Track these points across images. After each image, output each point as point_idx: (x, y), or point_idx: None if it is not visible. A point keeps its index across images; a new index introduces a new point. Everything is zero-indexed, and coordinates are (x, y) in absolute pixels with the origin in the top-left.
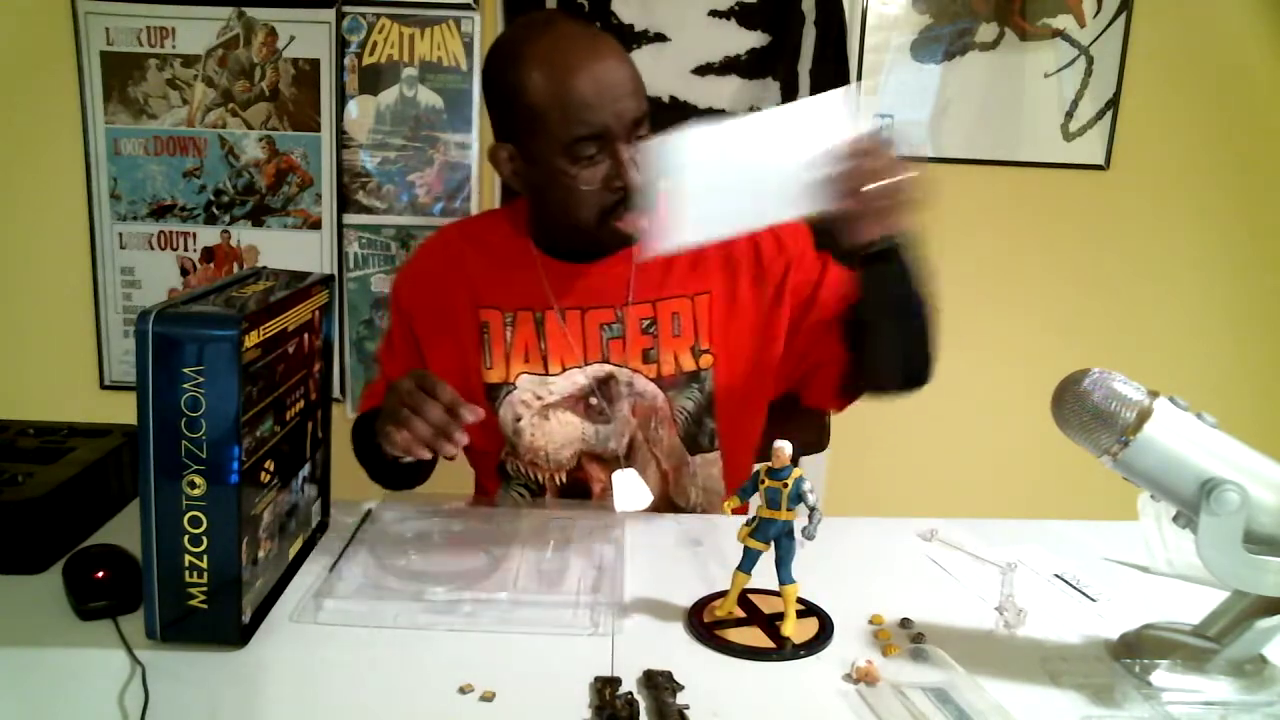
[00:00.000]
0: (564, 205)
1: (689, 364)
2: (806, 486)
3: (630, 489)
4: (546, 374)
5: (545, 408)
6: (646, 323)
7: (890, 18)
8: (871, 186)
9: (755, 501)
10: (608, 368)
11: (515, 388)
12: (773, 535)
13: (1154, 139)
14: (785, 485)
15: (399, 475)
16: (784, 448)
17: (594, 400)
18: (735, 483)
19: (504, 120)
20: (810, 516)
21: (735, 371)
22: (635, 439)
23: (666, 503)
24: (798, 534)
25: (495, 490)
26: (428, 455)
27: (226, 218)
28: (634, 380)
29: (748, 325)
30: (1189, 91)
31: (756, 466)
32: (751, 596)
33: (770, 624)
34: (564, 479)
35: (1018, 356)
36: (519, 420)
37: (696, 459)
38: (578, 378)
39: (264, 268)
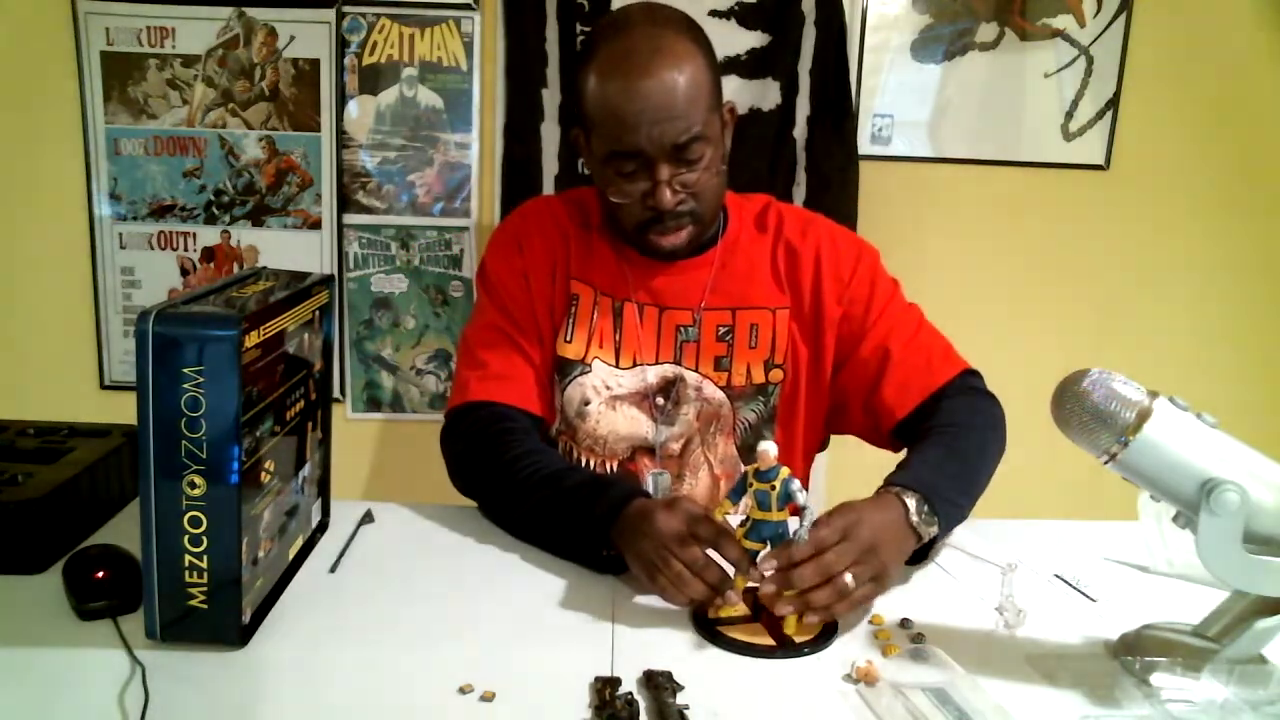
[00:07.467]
0: (608, 207)
1: (759, 377)
2: (795, 487)
3: (660, 490)
4: (616, 365)
5: (613, 398)
6: (723, 330)
7: (890, 18)
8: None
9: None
10: (679, 369)
11: (590, 370)
12: (767, 535)
13: (1154, 139)
14: (773, 487)
15: (524, 527)
16: (769, 449)
17: (660, 400)
18: None
19: (575, 107)
20: (801, 516)
21: (799, 386)
22: (692, 440)
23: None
24: (796, 534)
25: None
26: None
27: (226, 218)
28: (703, 385)
29: (812, 340)
30: (1189, 91)
31: (744, 469)
32: (754, 596)
33: (772, 623)
34: (614, 468)
35: (1017, 357)
36: (587, 404)
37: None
38: (647, 375)
39: (264, 268)
